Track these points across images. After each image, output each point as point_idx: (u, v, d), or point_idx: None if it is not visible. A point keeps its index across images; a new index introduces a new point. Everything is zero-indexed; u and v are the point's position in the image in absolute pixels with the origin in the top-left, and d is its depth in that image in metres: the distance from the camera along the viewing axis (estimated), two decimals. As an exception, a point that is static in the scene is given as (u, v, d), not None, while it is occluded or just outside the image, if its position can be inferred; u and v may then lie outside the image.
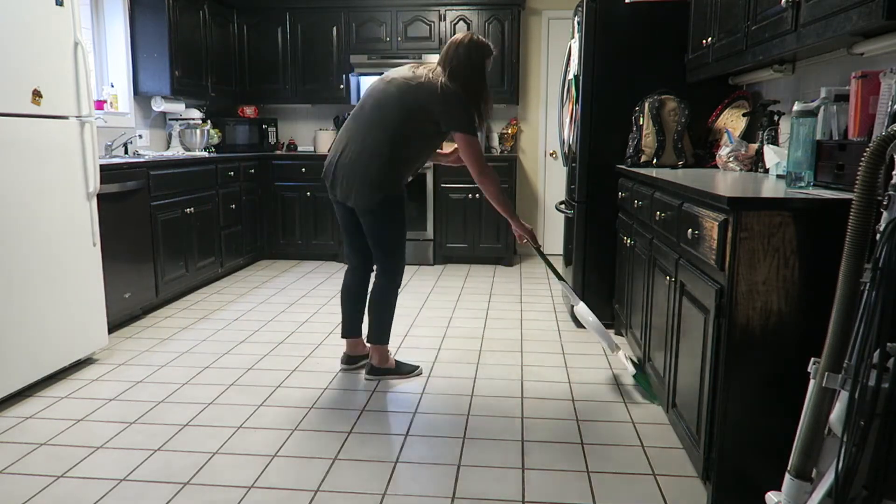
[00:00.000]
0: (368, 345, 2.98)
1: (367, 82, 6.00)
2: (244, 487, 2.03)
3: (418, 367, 3.05)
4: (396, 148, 2.70)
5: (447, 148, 3.14)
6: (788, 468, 1.50)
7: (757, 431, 1.80)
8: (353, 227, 2.90)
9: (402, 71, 2.79)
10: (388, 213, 2.77)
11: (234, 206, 5.05)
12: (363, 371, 3.01)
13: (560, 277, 3.09)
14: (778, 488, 1.84)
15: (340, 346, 3.39)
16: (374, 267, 2.92)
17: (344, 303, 3.04)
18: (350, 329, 3.05)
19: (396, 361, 3.02)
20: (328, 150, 2.89)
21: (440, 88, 2.67)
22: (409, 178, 2.90)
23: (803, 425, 1.48)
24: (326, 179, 2.86)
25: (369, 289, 2.98)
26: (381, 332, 2.94)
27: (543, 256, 3.04)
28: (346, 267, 3.06)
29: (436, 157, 3.13)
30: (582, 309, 2.95)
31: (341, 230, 2.99)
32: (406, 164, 2.78)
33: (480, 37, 2.79)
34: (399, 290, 2.94)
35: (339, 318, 3.89)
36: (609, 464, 2.19)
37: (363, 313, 3.03)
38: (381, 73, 6.24)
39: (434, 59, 5.48)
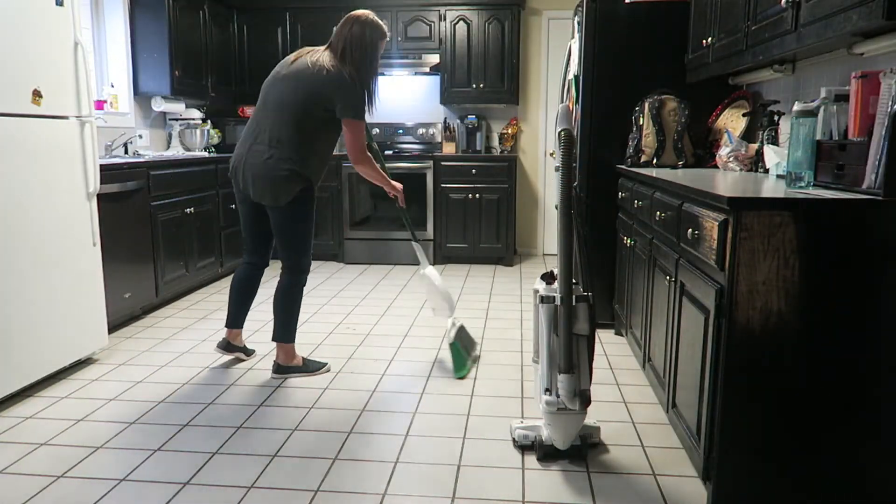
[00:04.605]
0: (274, 342, 2.96)
1: (367, 82, 6.01)
2: (244, 487, 2.03)
3: (326, 363, 3.05)
4: (305, 143, 2.72)
5: None
6: (560, 370, 2.06)
7: (757, 431, 1.80)
8: (257, 222, 2.91)
9: (298, 62, 2.76)
10: (299, 210, 2.77)
11: (234, 206, 5.03)
12: (270, 371, 2.99)
13: (416, 239, 3.32)
14: (778, 487, 1.85)
15: (341, 346, 3.40)
16: (281, 264, 2.90)
17: (233, 294, 3.04)
18: (233, 321, 3.07)
19: (304, 359, 3.01)
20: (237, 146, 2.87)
21: (334, 71, 2.67)
22: (323, 173, 2.89)
23: (563, 340, 2.04)
24: (235, 178, 2.84)
25: (258, 284, 3.06)
26: (285, 331, 2.92)
27: (405, 214, 3.26)
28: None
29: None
30: (430, 272, 3.21)
31: (242, 223, 2.97)
32: (317, 157, 2.78)
33: (377, 18, 2.79)
34: (304, 287, 2.93)
35: (339, 318, 3.90)
36: (609, 464, 2.19)
37: (248, 308, 3.07)
38: (381, 74, 6.20)
39: (434, 59, 5.56)
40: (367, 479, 2.08)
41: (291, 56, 2.85)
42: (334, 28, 2.87)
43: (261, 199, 2.77)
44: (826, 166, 2.03)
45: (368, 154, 2.84)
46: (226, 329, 3.10)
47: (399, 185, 3.11)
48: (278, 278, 2.91)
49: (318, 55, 2.75)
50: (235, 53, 5.74)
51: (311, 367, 2.99)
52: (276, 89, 2.76)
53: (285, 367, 2.95)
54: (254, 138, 2.77)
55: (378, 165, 2.94)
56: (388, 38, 2.85)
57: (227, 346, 3.10)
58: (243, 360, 3.14)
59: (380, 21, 2.80)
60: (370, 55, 2.75)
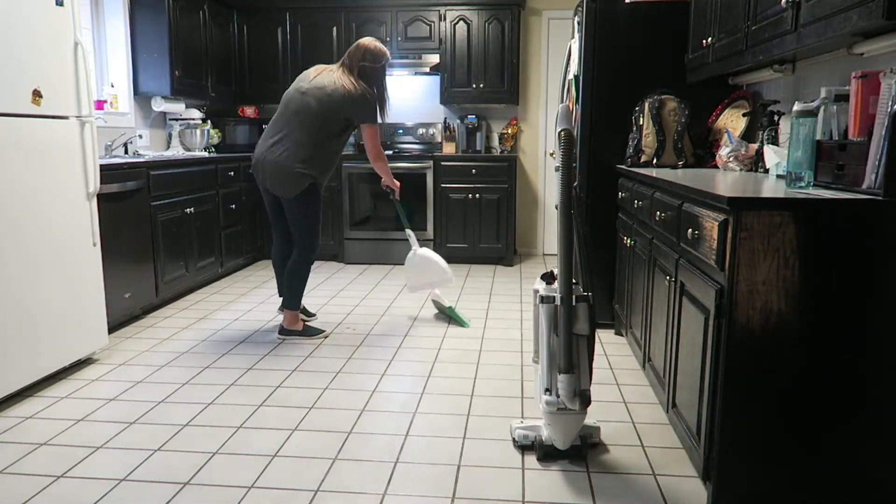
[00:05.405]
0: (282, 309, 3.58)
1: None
2: (244, 487, 2.03)
3: (324, 331, 3.56)
4: (316, 148, 3.31)
5: None
6: (560, 370, 2.09)
7: (757, 431, 1.80)
8: (278, 212, 3.52)
9: (320, 79, 3.35)
10: (306, 202, 3.34)
11: (234, 206, 5.05)
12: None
13: (408, 226, 3.92)
14: (778, 487, 1.85)
15: (342, 346, 3.41)
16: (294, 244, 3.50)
17: (276, 270, 3.71)
18: (281, 289, 3.68)
19: (305, 325, 3.54)
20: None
21: (352, 89, 3.30)
22: (328, 174, 3.47)
23: (563, 340, 2.06)
24: (256, 172, 3.43)
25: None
26: (291, 299, 3.49)
27: (399, 206, 3.94)
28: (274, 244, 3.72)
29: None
30: (424, 251, 3.82)
31: (268, 210, 3.59)
32: (324, 160, 3.36)
33: (379, 44, 3.42)
34: (311, 265, 3.51)
35: (340, 317, 3.91)
36: (609, 464, 2.19)
37: None
38: (388, 75, 6.19)
39: (434, 59, 5.56)
40: (367, 479, 2.08)
41: (311, 72, 3.43)
42: (347, 50, 3.47)
43: (275, 191, 3.37)
44: (826, 166, 2.03)
45: (383, 154, 3.55)
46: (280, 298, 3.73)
47: (397, 183, 3.77)
48: (292, 255, 3.49)
49: (337, 74, 3.35)
50: (235, 53, 5.75)
51: (308, 333, 3.50)
52: (298, 100, 3.34)
53: (288, 330, 3.49)
54: (273, 139, 3.34)
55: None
56: (389, 59, 3.47)
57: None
58: (306, 321, 3.69)
59: (382, 47, 3.43)
60: (378, 73, 3.41)
